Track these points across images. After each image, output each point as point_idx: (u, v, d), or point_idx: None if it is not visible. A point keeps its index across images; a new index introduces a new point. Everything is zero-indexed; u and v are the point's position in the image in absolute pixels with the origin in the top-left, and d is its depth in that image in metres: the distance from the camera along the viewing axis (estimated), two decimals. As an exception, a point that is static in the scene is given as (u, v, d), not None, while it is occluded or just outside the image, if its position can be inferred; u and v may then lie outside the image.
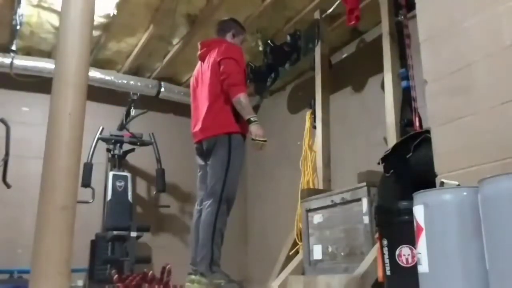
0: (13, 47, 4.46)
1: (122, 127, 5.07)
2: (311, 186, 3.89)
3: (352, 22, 3.63)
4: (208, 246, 2.80)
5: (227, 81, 2.88)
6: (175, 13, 4.00)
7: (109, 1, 3.93)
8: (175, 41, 4.59)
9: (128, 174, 4.92)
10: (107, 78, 4.99)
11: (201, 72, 3.20)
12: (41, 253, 1.68)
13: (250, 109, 2.93)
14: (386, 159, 2.52)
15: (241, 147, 2.98)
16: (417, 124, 3.11)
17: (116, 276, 3.82)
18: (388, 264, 1.94)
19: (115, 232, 4.40)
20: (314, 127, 4.11)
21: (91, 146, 4.66)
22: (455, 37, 1.75)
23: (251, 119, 2.88)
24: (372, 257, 2.62)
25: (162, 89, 5.30)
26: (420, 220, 1.38)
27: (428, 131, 2.02)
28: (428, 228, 1.35)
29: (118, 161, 4.93)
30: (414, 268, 1.48)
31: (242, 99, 2.86)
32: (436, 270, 1.32)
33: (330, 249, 3.15)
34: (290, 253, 3.59)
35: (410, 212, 1.45)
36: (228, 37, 3.30)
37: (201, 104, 3.08)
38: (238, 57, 3.01)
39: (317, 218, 3.31)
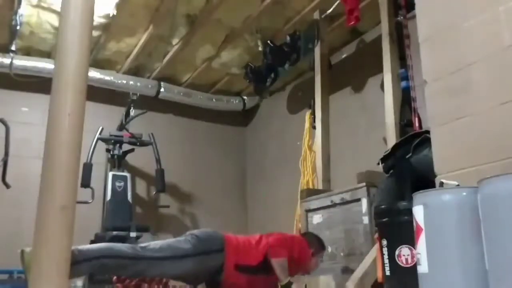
0: (13, 47, 4.45)
1: (121, 127, 5.07)
2: (311, 187, 3.89)
3: (352, 23, 3.63)
4: None
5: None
6: (174, 13, 4.00)
7: (108, 1, 3.92)
8: (175, 41, 4.59)
9: (128, 174, 4.91)
10: (107, 78, 4.99)
11: None
12: (40, 253, 1.68)
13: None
14: (385, 160, 2.52)
15: None
16: (417, 124, 3.11)
17: (115, 276, 3.81)
18: (387, 265, 1.94)
19: (114, 232, 4.39)
20: (314, 127, 4.11)
21: (91, 146, 4.66)
22: (455, 38, 1.75)
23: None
24: (372, 257, 2.61)
25: (162, 89, 5.30)
26: (419, 220, 1.38)
27: (427, 131, 2.02)
28: (427, 228, 1.35)
29: (117, 161, 4.93)
30: (413, 268, 1.48)
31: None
32: (435, 271, 1.32)
33: (329, 249, 3.15)
34: (290, 254, 3.58)
35: (409, 212, 1.45)
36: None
37: None
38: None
39: (316, 218, 3.31)
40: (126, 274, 2.47)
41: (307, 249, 2.78)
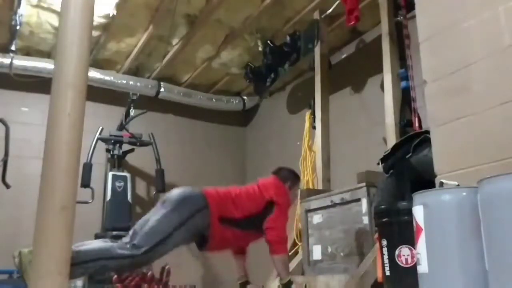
0: (13, 47, 4.45)
1: (121, 127, 5.07)
2: (311, 186, 3.89)
3: (352, 23, 3.63)
4: None
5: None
6: (174, 13, 3.99)
7: (108, 1, 3.92)
8: (175, 41, 4.59)
9: (128, 174, 4.91)
10: (107, 78, 4.99)
11: None
12: (40, 253, 1.68)
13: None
14: (385, 160, 2.52)
15: None
16: (417, 124, 3.11)
17: (115, 276, 3.82)
18: (387, 265, 1.94)
19: (114, 232, 4.39)
20: (314, 127, 4.11)
21: (91, 146, 4.66)
22: (455, 37, 1.75)
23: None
24: (372, 257, 2.62)
25: (162, 89, 5.30)
26: (419, 220, 1.38)
27: (427, 132, 2.03)
28: (427, 228, 1.35)
29: (117, 161, 4.93)
30: (413, 268, 1.48)
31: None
32: (435, 271, 1.32)
33: (329, 250, 3.15)
34: (290, 254, 3.58)
35: (409, 212, 1.45)
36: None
37: None
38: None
39: (316, 218, 3.31)
40: (127, 270, 2.46)
41: (283, 189, 2.79)
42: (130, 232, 2.44)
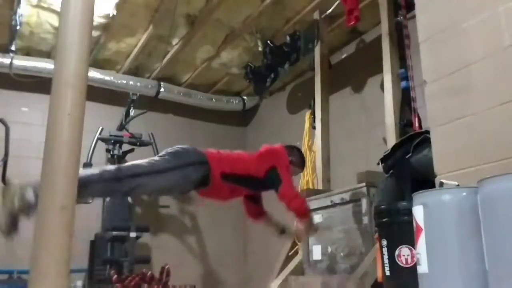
0: (13, 47, 4.45)
1: (121, 127, 5.06)
2: (311, 187, 3.89)
3: (352, 23, 3.64)
4: None
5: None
6: (174, 13, 3.99)
7: (108, 1, 3.92)
8: (175, 41, 4.59)
9: (128, 175, 4.91)
10: (107, 78, 4.98)
11: None
12: (40, 253, 1.68)
13: None
14: (385, 160, 2.52)
15: None
16: (417, 124, 3.11)
17: (115, 276, 3.82)
18: (387, 265, 1.94)
19: (114, 233, 4.40)
20: (314, 127, 4.11)
21: (91, 146, 4.66)
22: (455, 38, 1.75)
23: None
24: (372, 257, 2.62)
25: (162, 90, 5.30)
26: (419, 220, 1.38)
27: (427, 132, 2.03)
28: (427, 228, 1.35)
29: (117, 162, 4.93)
30: (413, 268, 1.48)
31: None
32: (435, 271, 1.32)
33: (329, 250, 3.15)
34: (290, 254, 3.59)
35: (409, 212, 1.45)
36: None
37: None
38: None
39: (316, 218, 3.31)
40: (113, 195, 2.45)
41: (285, 156, 2.80)
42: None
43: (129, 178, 2.36)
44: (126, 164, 2.48)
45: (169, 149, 2.58)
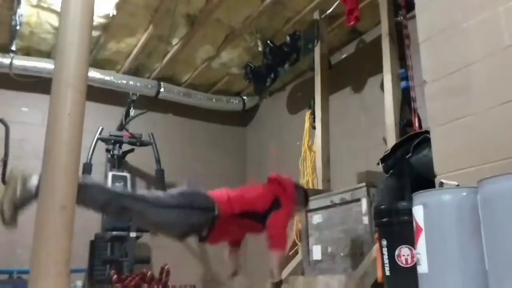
0: (13, 47, 4.45)
1: (121, 127, 5.06)
2: (311, 187, 3.89)
3: (352, 23, 3.64)
4: None
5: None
6: (174, 13, 3.99)
7: (108, 1, 3.92)
8: (175, 41, 4.59)
9: (128, 175, 4.91)
10: (107, 78, 4.98)
11: None
12: (40, 253, 1.68)
13: None
14: (385, 160, 2.52)
15: None
16: (417, 124, 3.11)
17: (115, 276, 3.82)
18: (387, 265, 1.94)
19: (114, 233, 4.40)
20: (314, 128, 4.11)
21: (91, 146, 4.66)
22: (455, 38, 1.75)
23: None
24: (372, 257, 2.62)
25: (162, 90, 5.30)
26: (419, 220, 1.38)
27: (427, 132, 2.03)
28: (427, 228, 1.35)
29: (117, 162, 4.93)
30: (413, 268, 1.48)
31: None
32: (435, 271, 1.32)
33: (329, 250, 3.15)
34: (290, 254, 3.59)
35: (409, 212, 1.45)
36: None
37: None
38: None
39: (316, 218, 3.31)
40: (111, 208, 2.44)
41: (293, 190, 2.76)
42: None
43: (132, 199, 2.37)
44: (136, 190, 2.49)
45: (180, 188, 2.57)
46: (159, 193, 2.49)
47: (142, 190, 2.51)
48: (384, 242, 1.97)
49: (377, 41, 3.71)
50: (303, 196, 2.91)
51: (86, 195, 2.21)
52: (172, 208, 2.42)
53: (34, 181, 2.04)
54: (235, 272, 2.88)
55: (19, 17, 4.07)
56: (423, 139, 2.27)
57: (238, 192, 2.64)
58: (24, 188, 2.06)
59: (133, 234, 4.39)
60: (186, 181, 2.63)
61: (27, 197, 2.05)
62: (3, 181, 3.87)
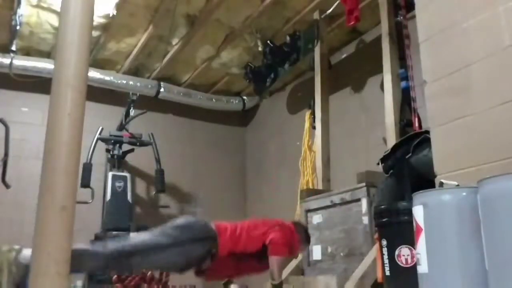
0: (13, 47, 4.45)
1: (121, 127, 5.06)
2: (311, 187, 3.89)
3: (352, 23, 3.63)
4: None
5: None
6: (174, 13, 4.00)
7: (108, 1, 3.92)
8: (175, 41, 4.59)
9: (128, 175, 4.91)
10: (107, 78, 4.98)
11: None
12: (40, 253, 1.68)
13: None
14: (385, 160, 2.52)
15: None
16: (417, 124, 3.11)
17: (115, 276, 3.82)
18: (387, 265, 1.94)
19: (114, 233, 4.39)
20: (314, 128, 4.11)
21: (91, 146, 4.65)
22: (455, 38, 1.75)
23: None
24: (372, 257, 2.62)
25: (162, 90, 5.30)
26: (419, 220, 1.38)
27: (427, 132, 2.03)
28: (427, 228, 1.35)
29: (117, 162, 4.93)
30: (413, 268, 1.48)
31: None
32: (435, 271, 1.32)
33: (329, 250, 3.15)
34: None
35: (409, 212, 1.45)
36: None
37: None
38: None
39: (316, 218, 3.31)
40: (102, 268, 2.42)
41: (297, 236, 2.77)
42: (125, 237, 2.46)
43: (129, 256, 2.33)
44: (130, 239, 2.43)
45: (179, 221, 2.56)
46: (157, 236, 2.43)
47: (141, 237, 2.46)
48: (384, 242, 1.97)
49: (377, 41, 3.71)
50: (304, 233, 2.91)
51: (81, 264, 2.19)
52: (173, 247, 2.42)
53: (25, 253, 1.99)
54: (228, 281, 2.88)
55: (19, 17, 4.07)
56: (423, 139, 2.27)
57: (241, 229, 2.63)
58: (18, 268, 2.02)
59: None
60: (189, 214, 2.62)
61: (26, 273, 1.97)
62: (3, 181, 3.87)
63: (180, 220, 2.58)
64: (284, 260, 2.70)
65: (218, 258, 2.51)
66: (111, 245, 2.33)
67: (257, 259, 2.62)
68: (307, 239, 2.96)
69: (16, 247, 2.04)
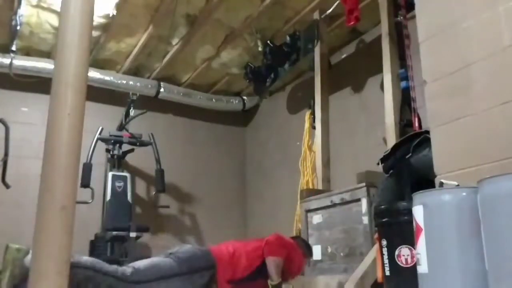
0: (13, 47, 4.45)
1: (121, 127, 5.06)
2: (311, 187, 3.89)
3: (352, 23, 3.63)
4: None
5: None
6: (174, 13, 4.00)
7: (108, 1, 3.92)
8: (175, 41, 4.59)
9: (128, 175, 4.91)
10: (107, 78, 4.99)
11: None
12: (40, 253, 1.68)
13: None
14: (385, 160, 2.52)
15: None
16: (417, 124, 3.11)
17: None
18: (387, 265, 1.94)
19: (114, 233, 4.39)
20: (314, 128, 4.11)
21: (91, 146, 4.65)
22: (455, 38, 1.75)
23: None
24: (372, 257, 2.62)
25: (162, 90, 5.30)
26: (419, 220, 1.38)
27: (427, 132, 2.03)
28: (427, 228, 1.35)
29: (117, 162, 4.93)
30: (413, 268, 1.48)
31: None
32: (435, 271, 1.32)
33: (329, 250, 3.15)
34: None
35: (409, 212, 1.45)
36: None
37: None
38: None
39: (316, 218, 3.31)
40: None
41: (300, 251, 2.79)
42: (128, 265, 2.45)
43: (135, 284, 2.33)
44: (135, 266, 2.42)
45: (180, 252, 2.55)
46: (162, 264, 2.45)
47: (145, 264, 2.47)
48: (384, 242, 1.97)
49: (377, 41, 3.71)
50: (304, 245, 2.93)
51: (83, 281, 2.20)
52: (177, 276, 2.42)
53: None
54: None
55: (19, 17, 4.07)
56: (423, 139, 2.26)
57: (240, 253, 2.63)
58: (21, 270, 2.03)
59: (133, 234, 4.39)
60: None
61: (27, 276, 2.02)
62: (3, 181, 3.87)
63: (183, 251, 2.57)
64: (281, 261, 2.69)
65: (220, 285, 2.52)
66: (114, 272, 2.33)
67: (263, 278, 2.62)
68: (309, 253, 2.98)
69: (25, 248, 2.04)
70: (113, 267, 2.37)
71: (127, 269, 2.38)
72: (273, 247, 2.60)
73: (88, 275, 2.24)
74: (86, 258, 2.35)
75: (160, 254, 2.62)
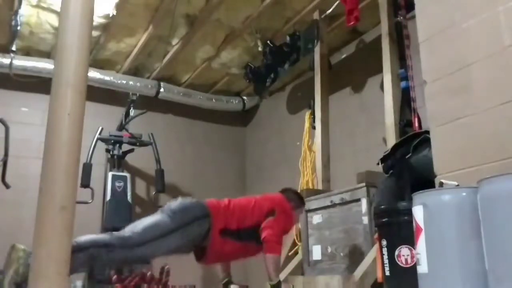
0: (13, 48, 4.45)
1: (121, 127, 5.06)
2: (310, 187, 3.89)
3: (352, 23, 3.63)
4: None
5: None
6: (174, 13, 3.99)
7: (108, 1, 3.92)
8: (175, 41, 4.59)
9: (128, 175, 4.91)
10: (107, 78, 4.98)
11: None
12: (40, 253, 1.68)
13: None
14: (385, 160, 2.52)
15: None
16: (417, 124, 3.11)
17: (115, 276, 3.82)
18: (387, 265, 1.94)
19: (114, 233, 4.39)
20: (314, 128, 4.11)
21: (90, 146, 4.65)
22: (455, 38, 1.75)
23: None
24: (372, 257, 2.62)
25: (162, 90, 5.30)
26: (419, 220, 1.38)
27: (427, 132, 2.03)
28: (427, 228, 1.35)
29: (117, 162, 4.93)
30: (413, 268, 1.48)
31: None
32: (435, 271, 1.32)
33: (329, 250, 3.15)
34: (289, 254, 3.59)
35: (409, 212, 1.45)
36: None
37: None
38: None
39: (316, 218, 3.31)
40: (117, 263, 2.45)
41: (289, 206, 2.77)
42: (125, 229, 2.46)
43: (137, 247, 2.36)
44: (133, 229, 2.43)
45: (173, 205, 2.56)
46: (158, 222, 2.46)
47: (142, 225, 2.48)
48: (384, 242, 1.97)
49: (377, 41, 3.71)
50: (295, 196, 2.91)
51: (89, 260, 2.24)
52: (175, 231, 2.43)
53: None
54: (228, 281, 2.87)
55: (19, 17, 4.07)
56: (423, 139, 2.27)
57: (234, 205, 2.65)
58: (24, 270, 2.03)
59: (133, 234, 4.38)
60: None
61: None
62: (3, 181, 3.87)
63: (175, 204, 2.57)
64: (280, 259, 2.69)
65: (214, 236, 2.51)
66: (117, 238, 2.36)
67: (254, 240, 2.61)
68: (301, 202, 2.95)
69: (29, 250, 2.05)
70: (112, 236, 2.41)
71: (126, 233, 2.41)
72: (272, 245, 2.58)
73: (92, 253, 2.26)
74: (85, 238, 2.35)
75: (154, 213, 2.59)
